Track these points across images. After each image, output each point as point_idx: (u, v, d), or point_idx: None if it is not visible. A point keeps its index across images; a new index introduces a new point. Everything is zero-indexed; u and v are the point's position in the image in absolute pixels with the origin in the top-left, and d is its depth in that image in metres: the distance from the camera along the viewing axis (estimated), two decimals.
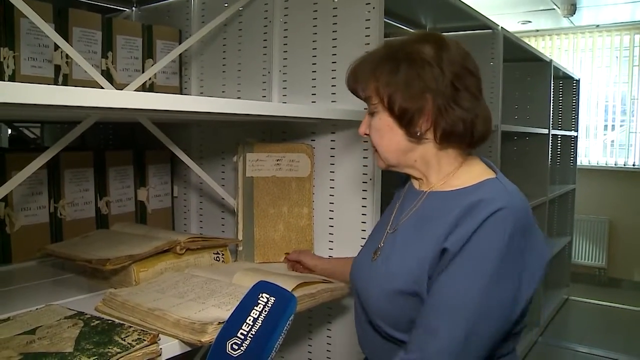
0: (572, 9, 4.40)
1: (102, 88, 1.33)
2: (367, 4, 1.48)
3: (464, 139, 1.02)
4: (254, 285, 0.98)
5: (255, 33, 1.70)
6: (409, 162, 1.07)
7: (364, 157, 1.52)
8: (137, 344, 0.94)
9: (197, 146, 1.87)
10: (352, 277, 1.17)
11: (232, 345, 0.90)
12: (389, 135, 1.05)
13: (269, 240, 1.58)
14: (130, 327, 1.02)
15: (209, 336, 0.97)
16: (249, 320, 0.93)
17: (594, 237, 5.19)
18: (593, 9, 4.66)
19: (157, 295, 1.17)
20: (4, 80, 1.36)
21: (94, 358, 0.88)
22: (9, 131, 2.75)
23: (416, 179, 1.11)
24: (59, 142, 1.33)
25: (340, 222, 1.58)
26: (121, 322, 1.06)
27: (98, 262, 1.25)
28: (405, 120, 1.01)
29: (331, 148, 1.59)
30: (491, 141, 2.67)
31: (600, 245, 5.16)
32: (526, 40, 4.66)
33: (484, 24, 2.58)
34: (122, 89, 1.41)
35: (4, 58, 1.37)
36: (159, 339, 0.99)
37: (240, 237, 1.57)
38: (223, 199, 1.72)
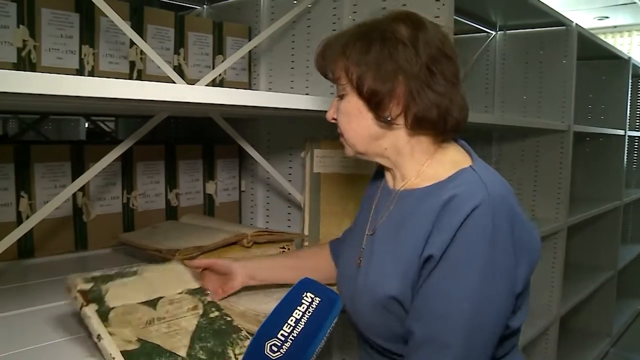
0: None
1: (174, 83, 1.37)
2: (436, 0, 1.45)
3: (437, 125, 0.94)
4: (297, 283, 0.92)
5: (324, 30, 1.70)
6: (379, 150, 1.00)
7: None
8: None
9: (265, 141, 1.90)
10: (339, 284, 1.11)
11: (270, 347, 0.83)
12: (357, 120, 0.98)
13: (334, 236, 1.58)
14: (245, 334, 0.94)
15: None
16: (291, 320, 0.86)
17: None
18: None
19: None
20: (85, 76, 1.42)
21: None
22: (87, 124, 2.88)
23: (387, 169, 1.05)
24: (133, 136, 1.37)
25: None
26: (238, 325, 0.97)
27: (168, 252, 1.28)
28: (374, 103, 0.94)
29: None
30: (562, 142, 2.58)
31: None
32: (602, 37, 4.47)
33: (558, 20, 2.48)
34: (193, 85, 1.45)
35: (85, 55, 1.43)
36: None
37: (306, 232, 1.58)
38: (290, 194, 1.74)
